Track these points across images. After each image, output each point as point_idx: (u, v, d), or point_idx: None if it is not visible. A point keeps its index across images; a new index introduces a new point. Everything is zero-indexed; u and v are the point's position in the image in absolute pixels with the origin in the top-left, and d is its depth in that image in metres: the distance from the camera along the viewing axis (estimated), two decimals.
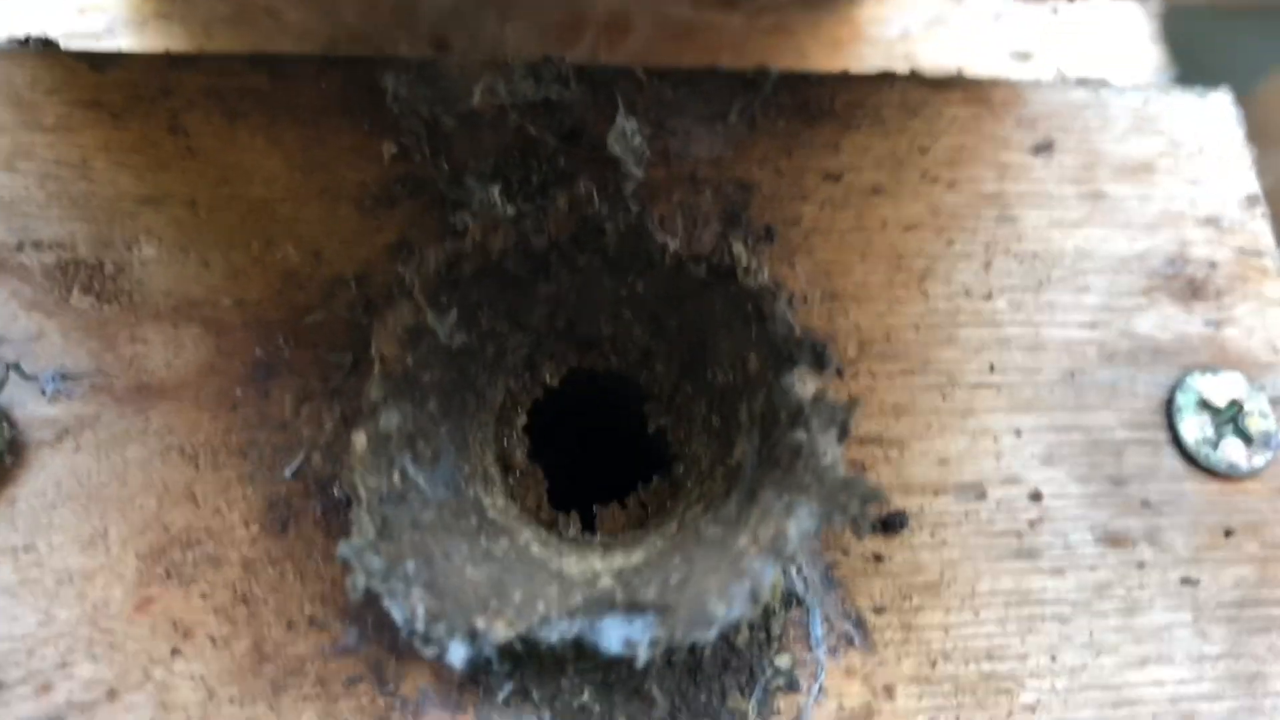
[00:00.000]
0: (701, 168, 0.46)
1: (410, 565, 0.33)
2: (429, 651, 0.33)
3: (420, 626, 0.32)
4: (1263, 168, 1.49)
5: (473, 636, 0.32)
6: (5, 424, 0.39)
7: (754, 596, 0.32)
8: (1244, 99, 1.54)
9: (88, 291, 0.41)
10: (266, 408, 0.40)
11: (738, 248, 0.44)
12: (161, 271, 0.41)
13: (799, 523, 0.33)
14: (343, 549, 0.33)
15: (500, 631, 0.32)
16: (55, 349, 0.40)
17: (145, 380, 0.40)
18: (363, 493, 0.34)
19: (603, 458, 0.44)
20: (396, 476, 0.35)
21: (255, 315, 0.42)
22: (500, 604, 0.33)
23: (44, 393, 0.39)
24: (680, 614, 0.32)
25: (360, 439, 0.35)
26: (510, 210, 0.42)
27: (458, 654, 0.32)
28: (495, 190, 0.42)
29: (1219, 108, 0.51)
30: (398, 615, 0.33)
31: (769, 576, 0.32)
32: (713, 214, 0.45)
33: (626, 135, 0.43)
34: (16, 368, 0.40)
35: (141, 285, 0.41)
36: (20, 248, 0.42)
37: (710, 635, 0.31)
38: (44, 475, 0.39)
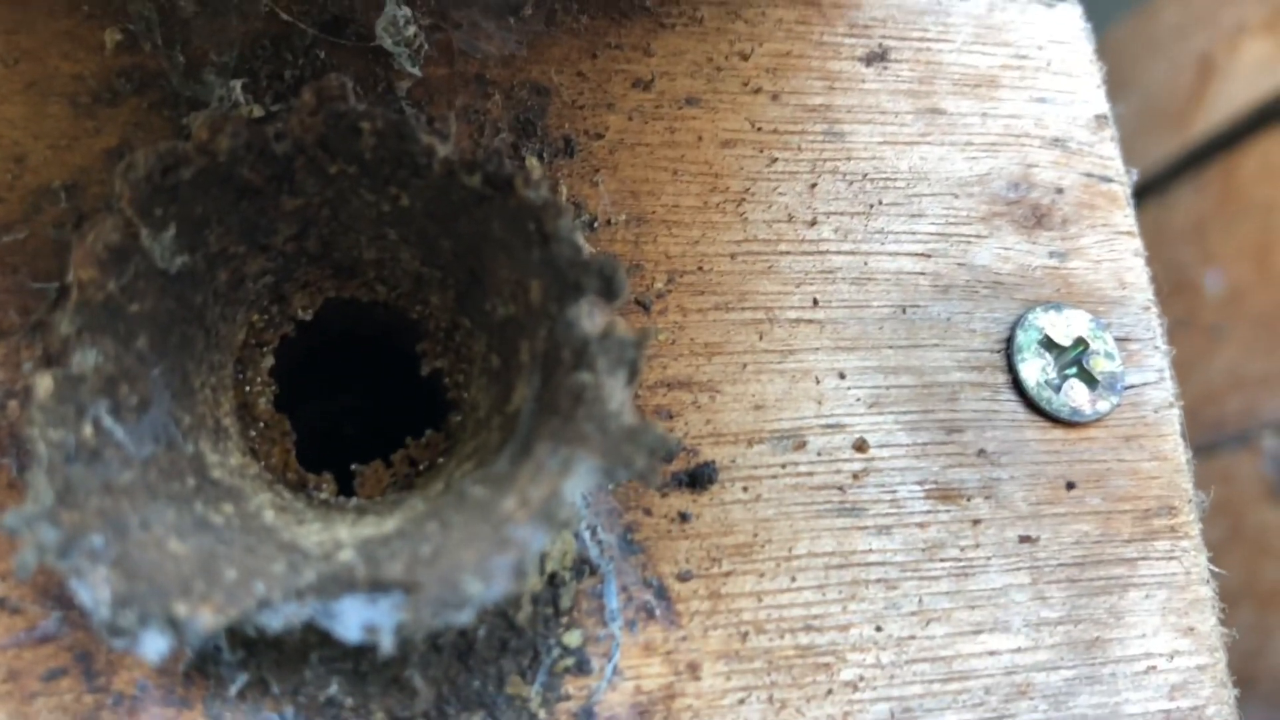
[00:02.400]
0: (490, 68, 0.40)
1: (97, 538, 0.27)
2: (118, 643, 0.26)
3: (106, 613, 0.26)
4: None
5: (172, 625, 0.26)
6: None
7: (519, 570, 0.26)
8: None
9: None
10: None
11: (530, 161, 0.38)
12: None
13: (576, 480, 0.27)
14: (9, 518, 0.27)
15: (206, 618, 0.26)
16: None
17: None
18: (42, 449, 0.28)
19: (368, 407, 0.38)
20: (88, 429, 0.28)
21: None
22: (208, 585, 0.27)
23: None
24: (429, 592, 0.26)
25: (45, 383, 0.28)
26: (257, 110, 0.36)
27: (153, 646, 0.26)
28: (239, 86, 0.36)
29: (1068, 20, 0.47)
30: (84, 599, 0.27)
31: (538, 546, 0.27)
32: (503, 122, 0.39)
33: (399, 25, 0.37)
34: None
35: None
36: None
37: (464, 618, 0.26)
38: None
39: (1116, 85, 1.57)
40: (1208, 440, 1.30)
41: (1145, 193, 1.36)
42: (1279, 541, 1.21)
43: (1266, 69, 1.22)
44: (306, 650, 0.31)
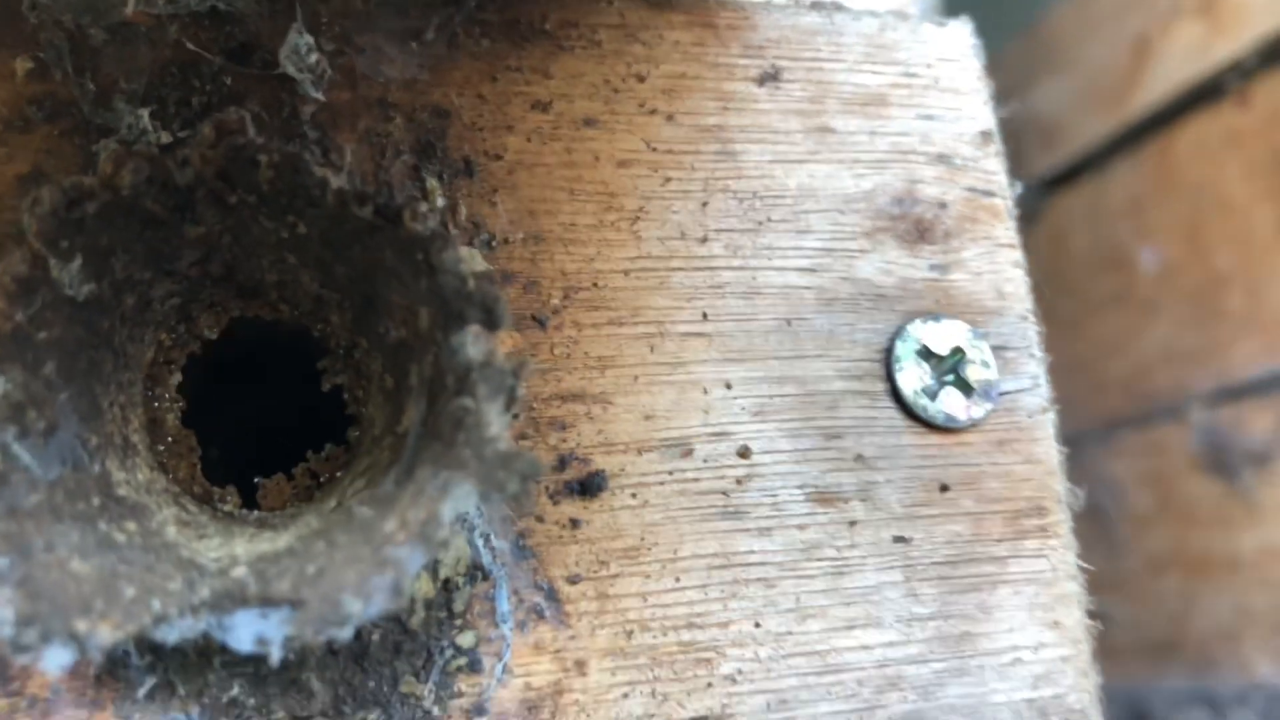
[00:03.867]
0: (393, 91, 0.42)
1: (2, 561, 0.29)
2: (22, 658, 0.29)
3: (10, 631, 0.28)
4: (1043, 94, 1.57)
5: (73, 640, 0.28)
6: None
7: (396, 590, 0.29)
8: (1030, 26, 1.61)
9: None
10: None
11: (431, 182, 0.40)
12: None
13: (453, 504, 0.30)
14: None
15: (105, 634, 0.28)
16: None
17: None
18: None
19: (274, 422, 0.40)
20: None
21: None
22: (107, 603, 0.29)
23: None
24: (312, 610, 0.29)
25: None
26: (165, 137, 0.38)
27: (56, 660, 0.28)
28: (146, 114, 0.38)
29: (957, 38, 0.50)
30: None
31: (415, 566, 0.29)
32: (405, 144, 0.41)
33: (302, 53, 0.39)
34: None
35: None
36: None
37: (345, 634, 0.28)
38: None
39: (1056, 64, 1.60)
40: (1140, 413, 1.34)
41: (1083, 170, 1.40)
42: (1206, 512, 1.25)
43: (1199, 51, 1.25)
44: (210, 655, 0.34)
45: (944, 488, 0.43)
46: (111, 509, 0.32)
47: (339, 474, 0.37)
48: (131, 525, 0.32)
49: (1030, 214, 1.47)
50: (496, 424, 0.31)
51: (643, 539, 0.40)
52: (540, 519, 0.39)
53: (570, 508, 0.40)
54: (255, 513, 0.36)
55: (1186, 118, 1.26)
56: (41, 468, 0.31)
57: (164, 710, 0.34)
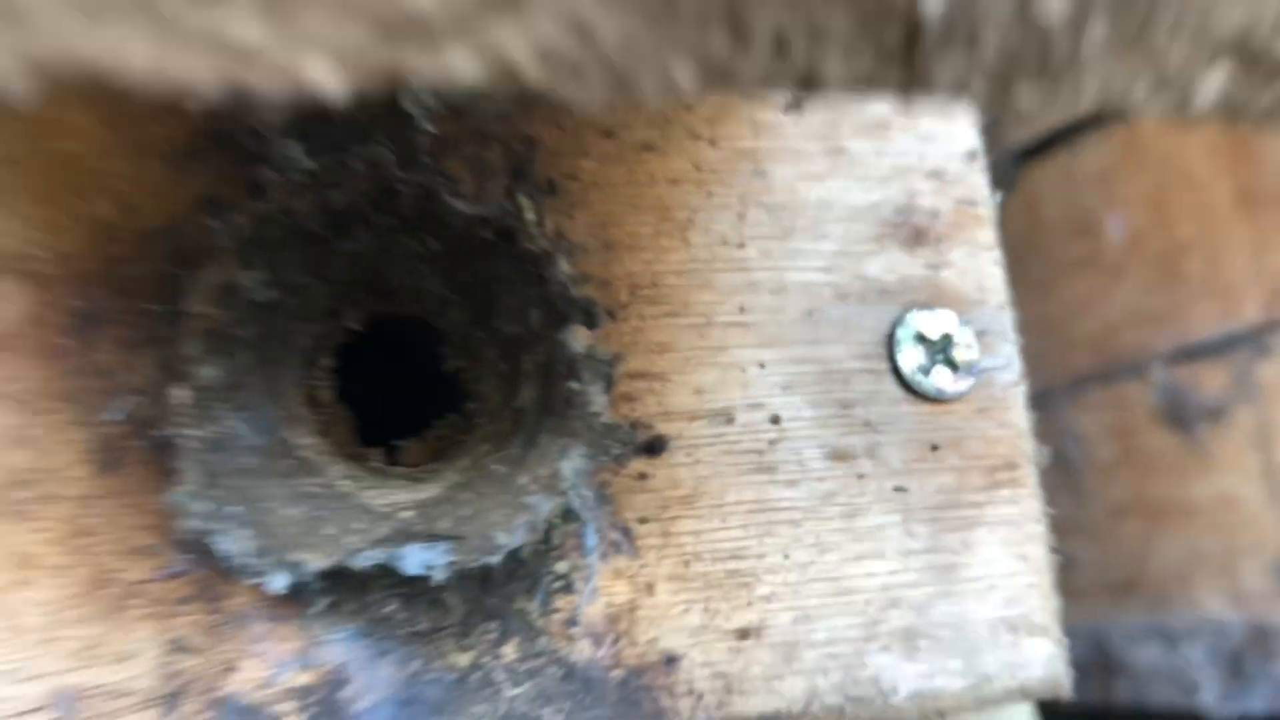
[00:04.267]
0: (490, 124, 0.51)
1: (234, 508, 0.38)
2: (253, 581, 0.38)
3: (245, 562, 0.38)
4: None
5: (292, 568, 0.38)
6: None
7: (532, 528, 0.38)
8: None
9: None
10: (89, 355, 0.44)
11: (522, 200, 0.49)
12: None
13: (571, 463, 0.39)
14: (174, 497, 0.38)
15: (316, 563, 0.38)
16: None
17: None
18: (187, 444, 0.39)
19: (406, 397, 0.49)
20: (217, 426, 0.40)
21: (74, 268, 0.45)
22: (314, 540, 0.38)
23: None
24: (471, 542, 0.38)
25: (181, 394, 0.40)
26: (310, 164, 0.46)
27: (279, 582, 0.38)
28: (294, 145, 0.46)
29: None
30: (225, 551, 0.39)
31: (544, 511, 0.38)
32: (500, 168, 0.50)
33: (418, 93, 0.48)
34: None
35: None
36: None
37: (495, 560, 0.38)
38: None
39: None
40: (1105, 370, 1.39)
41: (1055, 142, 1.44)
42: (1164, 462, 1.31)
43: None
44: (371, 580, 0.43)
45: (934, 447, 0.53)
46: (299, 468, 0.42)
47: (461, 439, 0.46)
48: (315, 480, 0.42)
49: (1006, 183, 1.51)
50: (599, 402, 0.41)
51: (695, 489, 0.49)
52: (616, 473, 0.48)
53: (639, 465, 0.49)
54: (399, 469, 0.46)
55: None
56: (251, 436, 0.40)
57: (333, 624, 0.44)
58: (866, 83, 0.25)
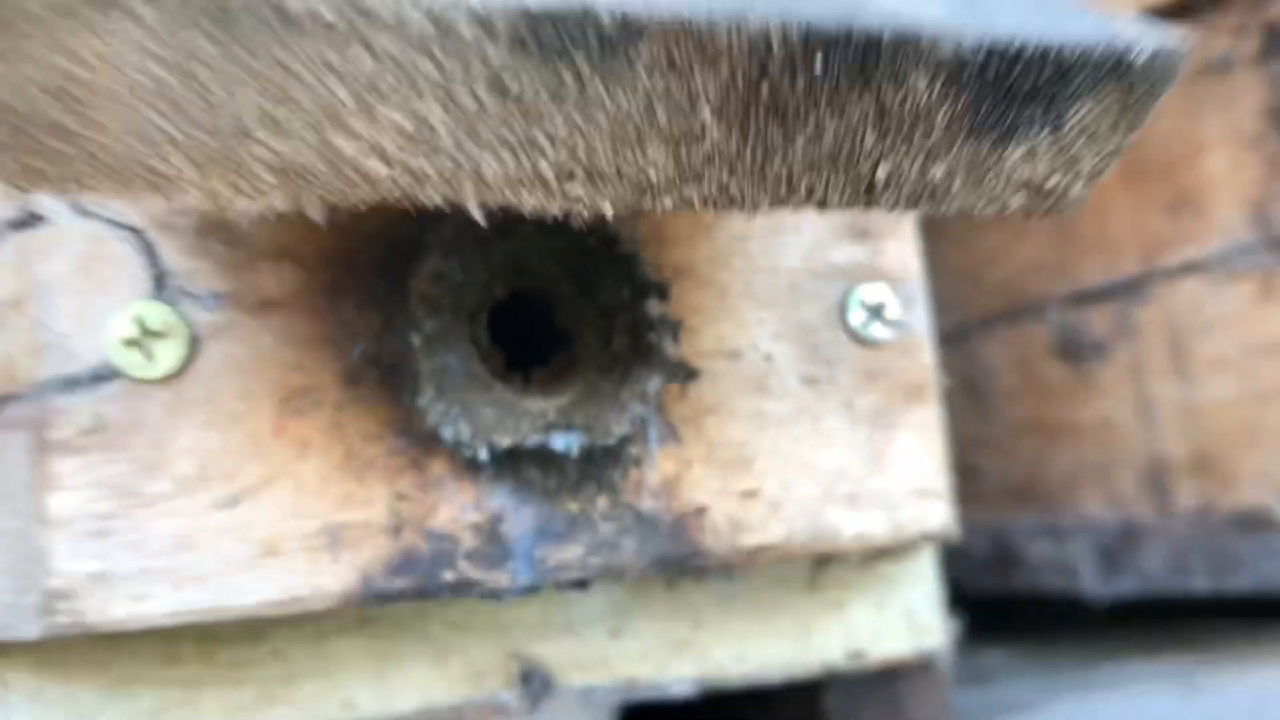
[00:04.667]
0: None
1: (455, 409, 0.63)
2: (465, 454, 0.63)
3: (461, 442, 0.63)
4: None
5: (490, 446, 0.63)
6: (187, 325, 0.65)
7: (633, 420, 0.63)
8: None
9: (223, 243, 0.67)
10: (336, 313, 0.69)
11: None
12: (269, 228, 0.68)
13: (653, 385, 0.64)
14: (420, 402, 0.63)
15: (505, 442, 0.63)
16: (208, 278, 0.67)
17: (263, 298, 0.68)
18: (422, 370, 0.63)
19: (535, 342, 0.74)
20: (436, 360, 0.64)
21: (324, 256, 0.69)
22: (501, 427, 0.63)
23: (206, 308, 0.66)
24: (595, 432, 0.63)
25: (416, 339, 0.64)
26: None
27: (483, 455, 0.63)
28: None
29: None
30: (448, 436, 0.63)
31: (639, 412, 0.64)
32: None
33: None
34: (186, 290, 0.66)
35: (253, 237, 0.68)
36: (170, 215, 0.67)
37: (611, 441, 0.63)
38: (213, 355, 0.66)
39: None
40: (1011, 311, 1.53)
41: None
42: (1057, 389, 1.45)
43: None
44: (523, 454, 0.68)
45: (870, 376, 0.78)
46: (482, 386, 0.66)
47: (573, 371, 0.71)
48: (491, 393, 0.66)
49: None
50: (671, 349, 0.66)
51: (717, 401, 0.74)
52: (668, 391, 0.74)
53: (681, 386, 0.74)
54: (534, 387, 0.70)
55: None
56: (456, 366, 0.65)
57: (495, 483, 0.69)
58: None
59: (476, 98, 0.38)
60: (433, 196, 0.42)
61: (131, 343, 0.62)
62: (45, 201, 0.64)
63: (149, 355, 0.63)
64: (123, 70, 0.35)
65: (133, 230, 0.64)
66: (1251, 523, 1.25)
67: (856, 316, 0.78)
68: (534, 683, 0.79)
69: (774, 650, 0.85)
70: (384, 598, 0.66)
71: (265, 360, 0.66)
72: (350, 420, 0.67)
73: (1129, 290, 1.39)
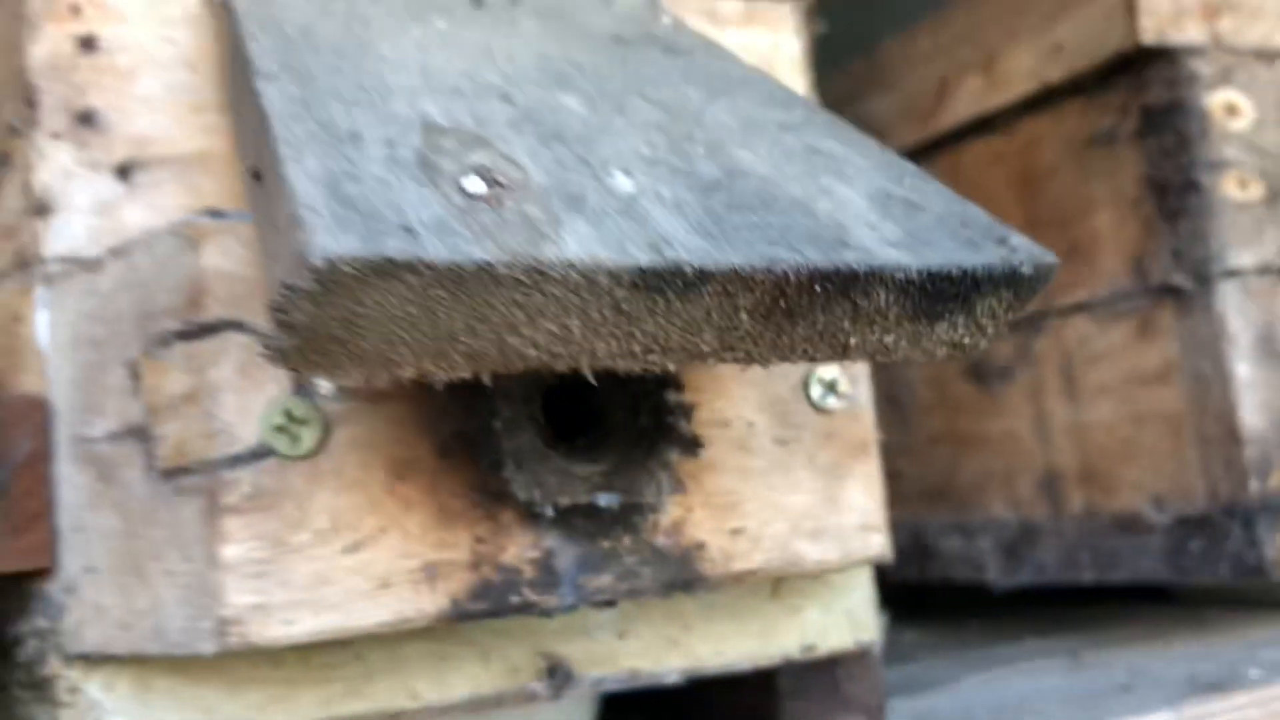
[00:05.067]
0: None
1: (528, 477, 0.85)
2: (533, 510, 0.85)
3: (533, 501, 0.85)
4: (875, 104, 2.00)
5: (555, 505, 0.85)
6: (321, 414, 0.86)
7: (659, 487, 0.86)
8: (869, 52, 2.05)
9: None
10: (434, 402, 0.89)
11: None
12: None
13: (673, 455, 0.87)
14: (505, 473, 0.84)
15: (565, 502, 0.85)
16: None
17: (377, 392, 0.88)
18: (504, 449, 0.85)
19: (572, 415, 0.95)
20: (516, 441, 0.86)
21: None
22: (560, 490, 0.86)
23: (334, 401, 0.87)
24: (630, 492, 0.86)
25: (496, 424, 0.86)
26: None
27: (549, 512, 0.85)
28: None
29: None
30: (522, 497, 0.85)
31: (664, 477, 0.86)
32: None
33: None
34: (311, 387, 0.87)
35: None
36: None
37: (642, 500, 0.86)
38: (341, 436, 0.86)
39: (885, 85, 2.05)
40: None
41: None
42: (968, 406, 1.64)
43: (978, 97, 1.57)
44: (572, 508, 0.89)
45: (828, 436, 1.01)
46: (543, 455, 0.88)
47: (606, 442, 0.92)
48: (549, 463, 0.88)
49: None
50: (685, 428, 0.88)
51: (711, 460, 0.96)
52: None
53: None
54: (576, 454, 0.92)
55: (970, 139, 1.61)
56: (527, 439, 0.87)
57: (549, 529, 0.90)
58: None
59: (602, 314, 0.60)
60: (560, 366, 0.64)
61: (281, 429, 0.83)
62: (215, 315, 0.84)
63: (294, 438, 0.83)
64: (389, 308, 0.57)
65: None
66: (1129, 525, 1.43)
67: (816, 391, 0.99)
68: (558, 676, 1.02)
69: (744, 647, 1.07)
70: (467, 617, 0.88)
71: (379, 439, 0.86)
72: (443, 483, 0.87)
73: (1029, 324, 1.56)
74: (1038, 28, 1.46)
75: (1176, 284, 1.36)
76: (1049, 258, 0.68)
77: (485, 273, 0.55)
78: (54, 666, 0.78)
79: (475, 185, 0.57)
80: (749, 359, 0.67)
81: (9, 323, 0.82)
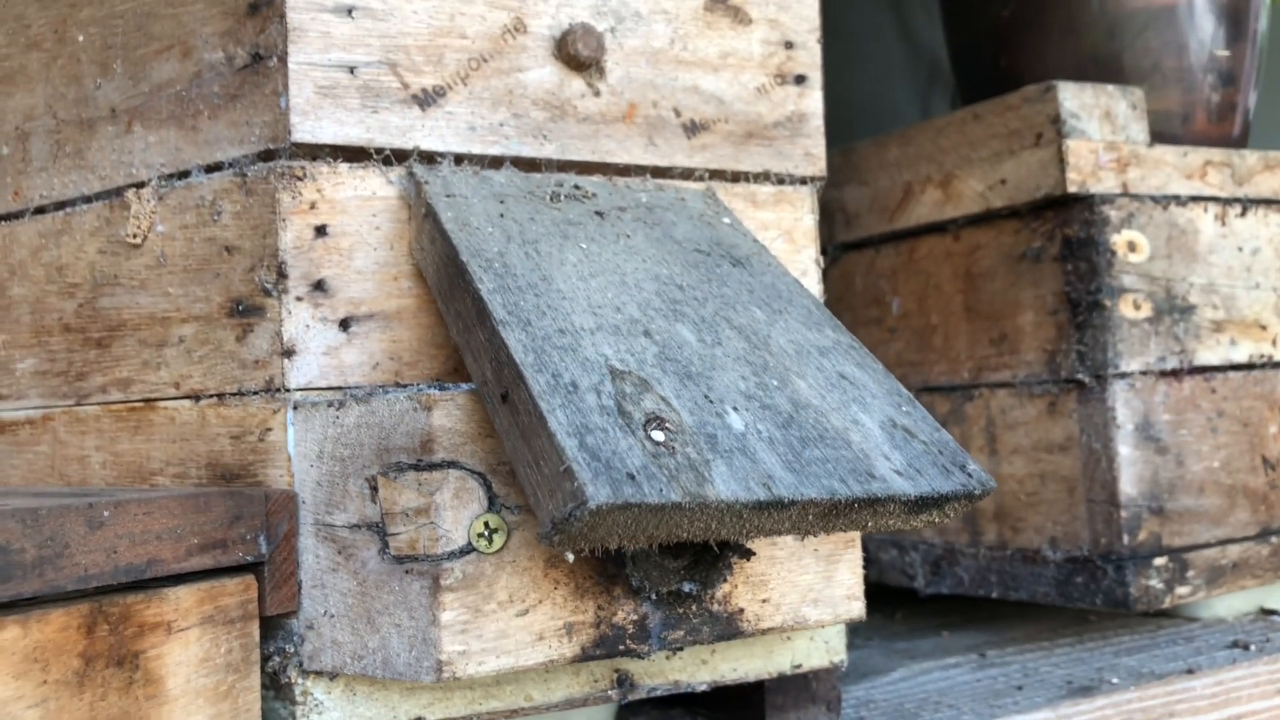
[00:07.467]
0: None
1: (644, 573, 1.28)
2: (642, 593, 1.29)
3: (643, 588, 1.28)
4: (850, 192, 2.49)
5: (658, 589, 1.29)
6: (506, 523, 1.29)
7: (720, 575, 1.30)
8: (847, 147, 2.54)
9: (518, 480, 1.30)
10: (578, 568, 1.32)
11: None
12: None
13: (734, 558, 1.31)
14: (627, 571, 1.28)
15: (665, 589, 1.29)
16: (516, 496, 1.30)
17: None
18: (629, 555, 1.29)
19: None
20: (638, 569, 1.29)
21: None
22: (663, 579, 1.29)
23: (514, 514, 1.29)
24: (705, 583, 1.30)
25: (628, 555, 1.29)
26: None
27: (653, 595, 1.29)
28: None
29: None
30: (637, 586, 1.29)
31: (723, 571, 1.30)
32: None
33: None
34: (505, 505, 1.29)
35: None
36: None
37: (711, 587, 1.30)
38: (517, 538, 1.29)
39: (859, 178, 2.54)
40: None
41: (866, 245, 1.94)
42: None
43: (937, 206, 1.81)
44: (659, 599, 1.33)
45: (828, 534, 1.46)
46: (650, 557, 1.31)
47: (685, 545, 1.35)
48: (652, 560, 1.31)
49: (834, 262, 2.00)
50: (725, 574, 1.32)
51: (750, 565, 1.41)
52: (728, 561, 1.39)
53: (733, 559, 1.40)
54: (667, 553, 1.35)
55: (926, 236, 1.85)
56: (629, 574, 1.30)
57: (642, 602, 1.34)
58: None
59: (733, 522, 1.05)
60: (696, 540, 1.09)
61: (481, 534, 1.26)
62: (440, 458, 1.26)
63: (489, 540, 1.26)
64: (616, 525, 1.01)
65: (479, 474, 1.28)
66: (1029, 558, 1.67)
67: None
68: (625, 684, 1.47)
69: (753, 665, 1.52)
70: (590, 659, 1.32)
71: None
72: (579, 570, 1.31)
73: (962, 391, 1.81)
74: (988, 162, 1.74)
75: (1080, 378, 1.63)
76: (991, 482, 1.13)
77: (677, 508, 0.99)
78: (292, 676, 1.21)
79: (657, 434, 1.00)
80: (805, 534, 1.12)
81: (262, 431, 1.24)
